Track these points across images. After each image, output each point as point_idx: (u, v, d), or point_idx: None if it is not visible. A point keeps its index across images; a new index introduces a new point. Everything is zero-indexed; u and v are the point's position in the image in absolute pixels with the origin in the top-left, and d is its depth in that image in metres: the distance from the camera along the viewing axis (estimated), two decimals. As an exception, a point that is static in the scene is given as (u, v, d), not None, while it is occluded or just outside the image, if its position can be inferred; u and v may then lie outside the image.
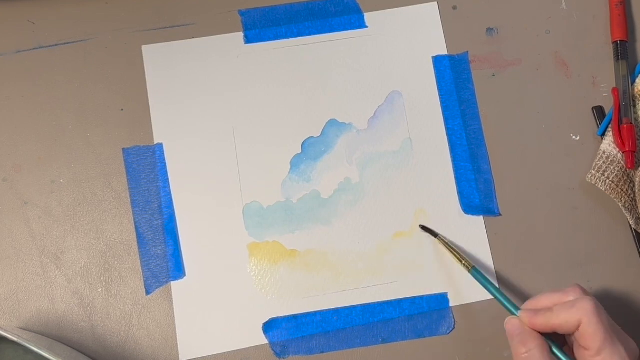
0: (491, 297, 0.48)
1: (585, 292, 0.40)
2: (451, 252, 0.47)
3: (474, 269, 0.45)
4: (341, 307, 0.48)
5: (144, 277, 0.48)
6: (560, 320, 0.38)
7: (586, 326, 0.37)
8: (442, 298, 0.48)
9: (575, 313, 0.38)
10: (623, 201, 0.48)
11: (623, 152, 0.49)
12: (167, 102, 0.50)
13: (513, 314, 0.41)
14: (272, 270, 0.48)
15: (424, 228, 0.49)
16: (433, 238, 0.48)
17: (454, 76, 0.52)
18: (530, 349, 0.39)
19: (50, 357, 0.39)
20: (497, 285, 0.44)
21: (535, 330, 0.40)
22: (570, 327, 0.38)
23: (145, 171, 0.49)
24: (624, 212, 0.48)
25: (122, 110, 0.50)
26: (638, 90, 0.51)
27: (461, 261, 0.46)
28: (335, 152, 0.50)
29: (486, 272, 0.48)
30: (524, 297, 0.48)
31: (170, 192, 0.49)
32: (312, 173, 0.50)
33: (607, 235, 0.50)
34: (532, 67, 0.53)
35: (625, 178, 0.49)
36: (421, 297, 0.48)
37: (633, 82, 0.51)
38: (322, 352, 0.47)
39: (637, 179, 0.48)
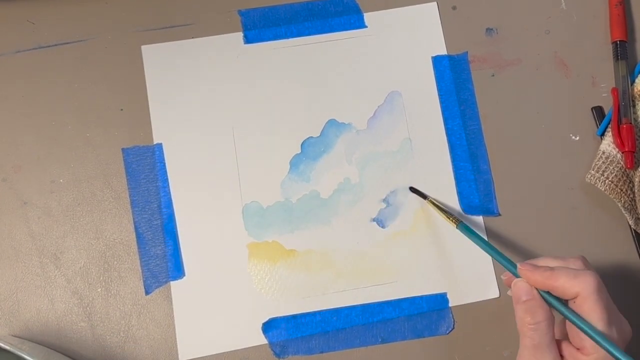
0: (491, 297, 0.48)
1: (587, 265, 0.39)
2: (441, 212, 0.47)
3: (461, 223, 0.45)
4: (341, 307, 0.48)
5: (144, 277, 0.48)
6: (559, 283, 0.37)
7: (584, 301, 0.36)
8: (442, 298, 0.48)
9: (576, 283, 0.36)
10: (622, 201, 0.48)
11: (622, 152, 0.49)
12: (167, 102, 0.50)
13: (509, 269, 0.40)
14: (271, 270, 0.48)
15: (413, 190, 0.49)
16: (429, 238, 0.49)
17: (453, 76, 0.52)
18: (538, 321, 0.37)
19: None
20: (487, 240, 0.43)
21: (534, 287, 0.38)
22: (568, 294, 0.37)
23: (145, 171, 0.49)
24: (624, 212, 0.48)
25: (121, 110, 0.50)
26: (637, 91, 0.51)
27: (449, 218, 0.46)
28: (335, 152, 0.50)
29: (486, 272, 0.48)
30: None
31: (169, 192, 0.49)
32: (311, 173, 0.50)
33: (606, 235, 0.50)
34: (532, 67, 0.53)
35: (625, 178, 0.49)
36: (421, 297, 0.48)
37: (632, 82, 0.51)
38: (322, 352, 0.47)
39: (637, 179, 0.48)
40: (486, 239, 0.43)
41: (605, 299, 0.37)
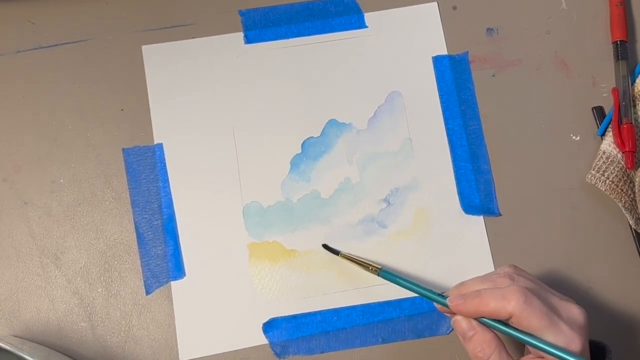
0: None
1: (515, 277, 0.38)
2: (357, 263, 0.47)
3: (382, 270, 0.45)
4: (341, 307, 0.48)
5: (144, 277, 0.48)
6: (490, 308, 0.36)
7: (519, 319, 0.36)
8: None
9: (506, 304, 0.36)
10: (623, 201, 0.48)
11: (623, 152, 0.49)
12: (167, 102, 0.50)
13: (440, 302, 0.40)
14: (272, 270, 0.48)
15: (325, 247, 0.48)
16: (429, 238, 0.49)
17: (454, 76, 0.52)
18: (489, 354, 0.37)
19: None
20: (411, 280, 0.43)
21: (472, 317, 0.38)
22: (502, 316, 0.36)
23: (145, 171, 0.49)
24: (624, 212, 0.48)
25: (122, 110, 0.50)
26: (638, 91, 0.51)
27: (368, 268, 0.46)
28: (335, 152, 0.50)
29: (486, 272, 0.48)
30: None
31: (170, 192, 0.49)
32: (312, 173, 0.50)
33: (607, 235, 0.50)
34: (532, 67, 0.53)
35: (625, 178, 0.49)
36: (421, 297, 0.48)
37: (633, 82, 0.51)
38: (322, 352, 0.47)
39: (637, 179, 0.48)
40: (414, 281, 0.43)
41: (538, 304, 0.36)
